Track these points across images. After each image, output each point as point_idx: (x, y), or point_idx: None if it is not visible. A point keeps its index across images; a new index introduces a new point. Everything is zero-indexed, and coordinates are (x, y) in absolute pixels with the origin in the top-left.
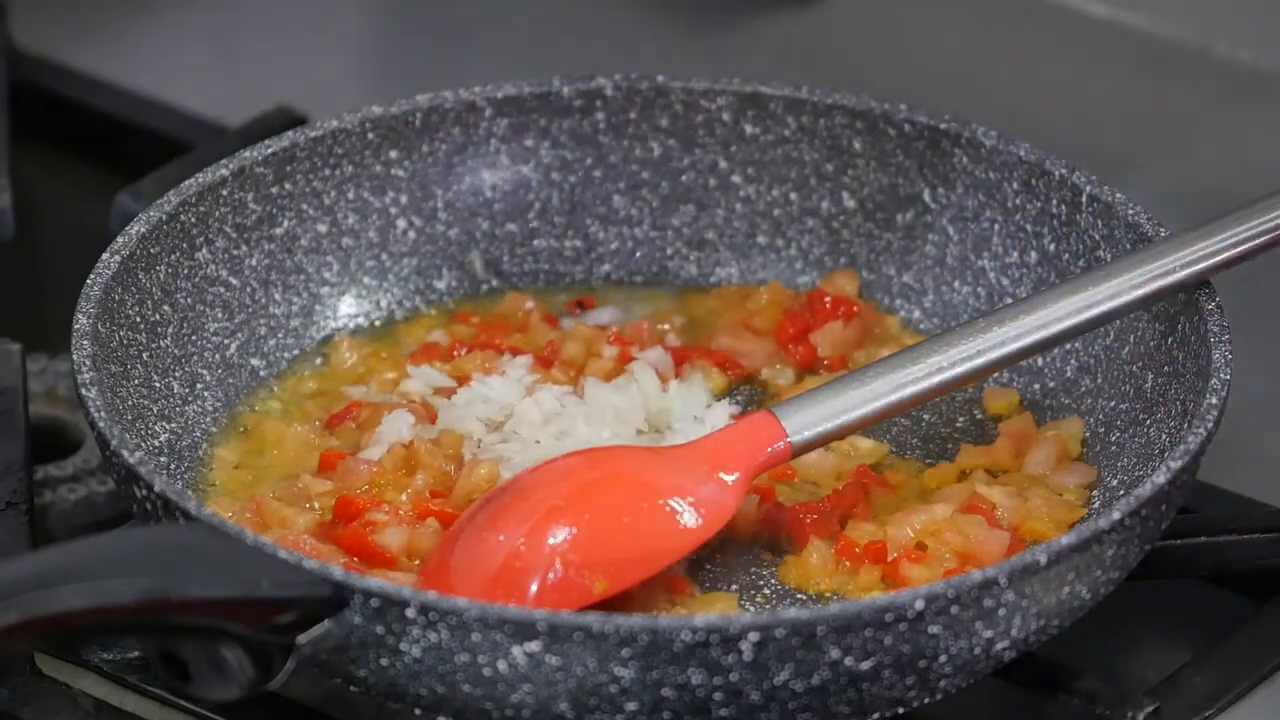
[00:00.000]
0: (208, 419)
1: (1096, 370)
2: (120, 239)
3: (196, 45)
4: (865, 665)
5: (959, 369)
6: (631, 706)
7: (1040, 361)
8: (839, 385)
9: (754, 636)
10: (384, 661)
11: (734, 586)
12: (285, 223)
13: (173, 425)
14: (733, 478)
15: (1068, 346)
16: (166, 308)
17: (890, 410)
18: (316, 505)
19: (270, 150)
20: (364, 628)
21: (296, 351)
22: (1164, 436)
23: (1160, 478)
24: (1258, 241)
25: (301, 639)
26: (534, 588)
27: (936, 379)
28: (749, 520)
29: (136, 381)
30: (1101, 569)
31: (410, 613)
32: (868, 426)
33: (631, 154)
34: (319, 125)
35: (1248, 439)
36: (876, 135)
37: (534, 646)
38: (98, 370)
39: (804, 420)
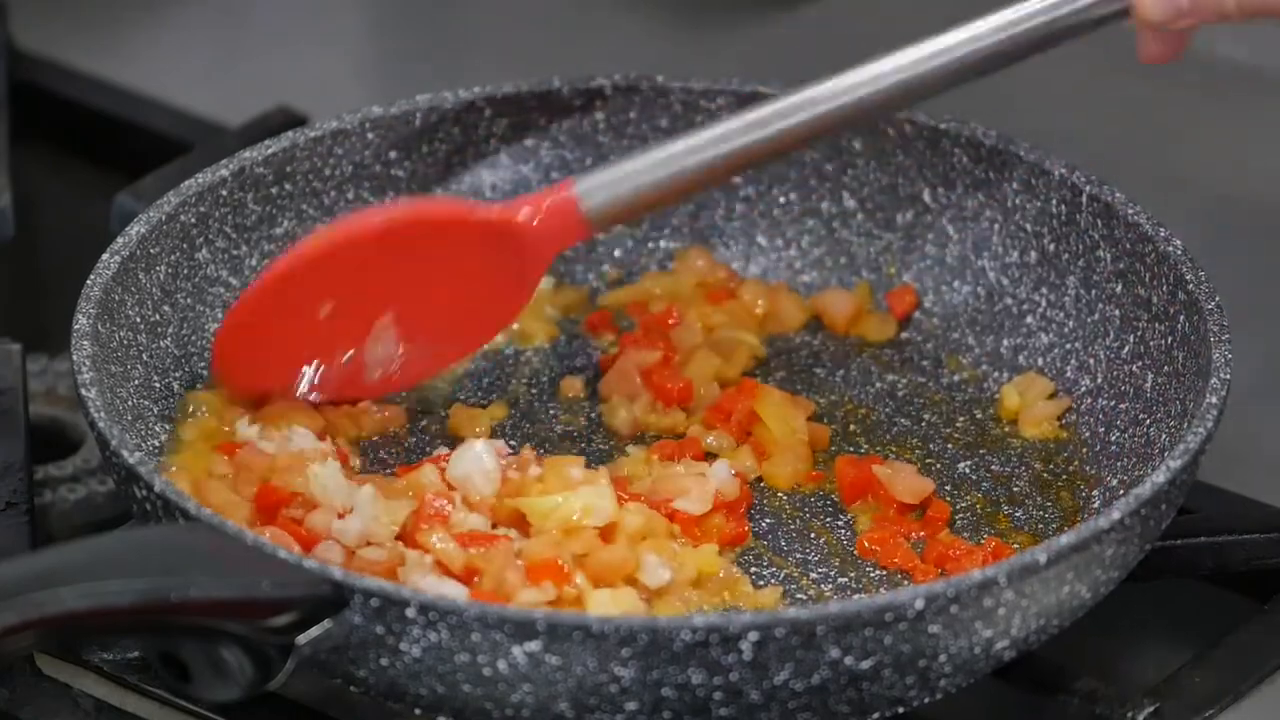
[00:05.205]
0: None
1: (1096, 370)
2: (120, 239)
3: (196, 45)
4: (865, 665)
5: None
6: (631, 706)
7: (1040, 361)
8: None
9: (753, 636)
10: (384, 661)
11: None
12: (285, 223)
13: (173, 425)
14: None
15: (1067, 346)
16: (166, 308)
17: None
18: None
19: (270, 150)
20: (364, 628)
21: None
22: (1164, 436)
23: (1160, 478)
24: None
25: (301, 639)
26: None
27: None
28: None
29: (136, 381)
30: (1101, 569)
31: (410, 613)
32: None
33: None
34: (319, 125)
35: (1248, 439)
36: (876, 135)
37: (534, 646)
38: (98, 370)
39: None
